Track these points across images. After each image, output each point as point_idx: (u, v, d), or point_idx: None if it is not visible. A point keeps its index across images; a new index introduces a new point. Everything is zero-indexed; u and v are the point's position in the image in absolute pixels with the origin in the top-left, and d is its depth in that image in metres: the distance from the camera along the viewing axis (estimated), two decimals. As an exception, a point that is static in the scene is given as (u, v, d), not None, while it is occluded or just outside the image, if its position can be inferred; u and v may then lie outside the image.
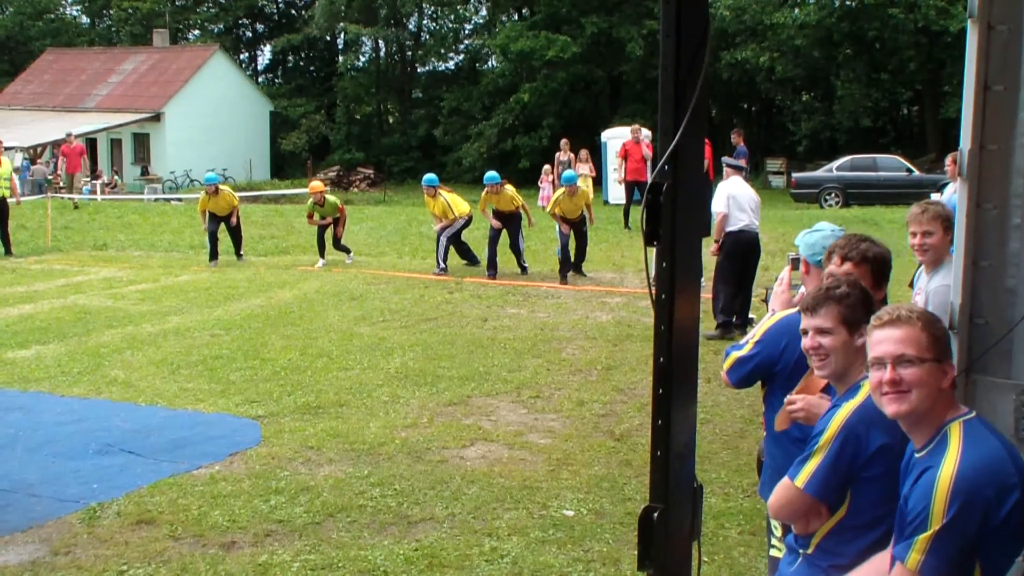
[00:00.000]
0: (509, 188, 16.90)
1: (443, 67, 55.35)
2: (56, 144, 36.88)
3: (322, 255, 18.03)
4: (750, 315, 11.99)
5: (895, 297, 4.05)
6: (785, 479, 3.60)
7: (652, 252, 2.82)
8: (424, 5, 54.04)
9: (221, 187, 18.86)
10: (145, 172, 44.96)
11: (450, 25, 54.47)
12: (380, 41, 54.32)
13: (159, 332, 12.32)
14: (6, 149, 22.58)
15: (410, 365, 10.53)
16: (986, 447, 3.02)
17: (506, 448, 7.90)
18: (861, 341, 3.57)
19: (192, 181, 42.98)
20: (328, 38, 56.94)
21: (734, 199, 11.90)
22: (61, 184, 30.37)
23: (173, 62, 48.91)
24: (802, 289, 4.45)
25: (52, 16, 62.00)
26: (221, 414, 8.90)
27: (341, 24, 52.59)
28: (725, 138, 26.94)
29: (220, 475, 7.31)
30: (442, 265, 16.83)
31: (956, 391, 3.83)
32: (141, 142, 47.15)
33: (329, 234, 18.17)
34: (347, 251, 18.38)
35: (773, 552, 4.41)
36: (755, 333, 4.47)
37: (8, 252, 19.59)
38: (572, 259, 16.19)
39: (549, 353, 11.12)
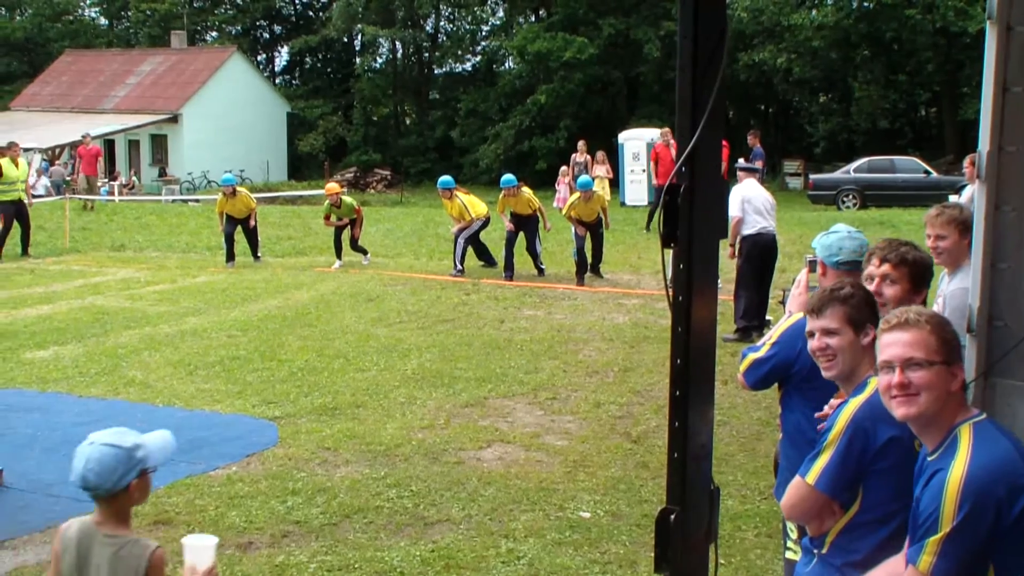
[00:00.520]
0: (526, 190, 16.89)
1: (460, 68, 55.48)
2: (74, 145, 36.98)
3: (339, 256, 18.05)
4: (767, 317, 11.96)
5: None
6: (796, 478, 3.61)
7: (669, 254, 2.82)
8: (441, 6, 54.13)
9: (238, 189, 18.90)
10: (163, 173, 45.14)
11: (467, 26, 54.55)
12: (397, 42, 54.40)
13: (176, 333, 12.37)
14: (24, 151, 22.68)
15: (427, 366, 10.54)
16: (996, 448, 3.02)
17: (523, 450, 7.90)
18: (867, 341, 3.60)
19: (209, 182, 43.12)
20: (345, 39, 57.05)
21: (749, 202, 11.88)
22: (77, 186, 30.21)
23: (191, 63, 49.09)
24: (819, 291, 4.46)
25: (71, 18, 62.28)
26: (238, 415, 8.93)
27: (358, 25, 52.74)
28: (742, 139, 26.87)
29: (237, 476, 7.33)
30: (459, 267, 16.83)
31: (975, 395, 3.81)
32: (159, 143, 47.34)
33: (346, 235, 18.18)
34: (364, 252, 18.40)
35: (789, 555, 4.41)
36: (772, 335, 4.47)
37: (25, 253, 19.68)
38: (589, 261, 16.18)
39: (566, 355, 11.11)
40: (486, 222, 17.28)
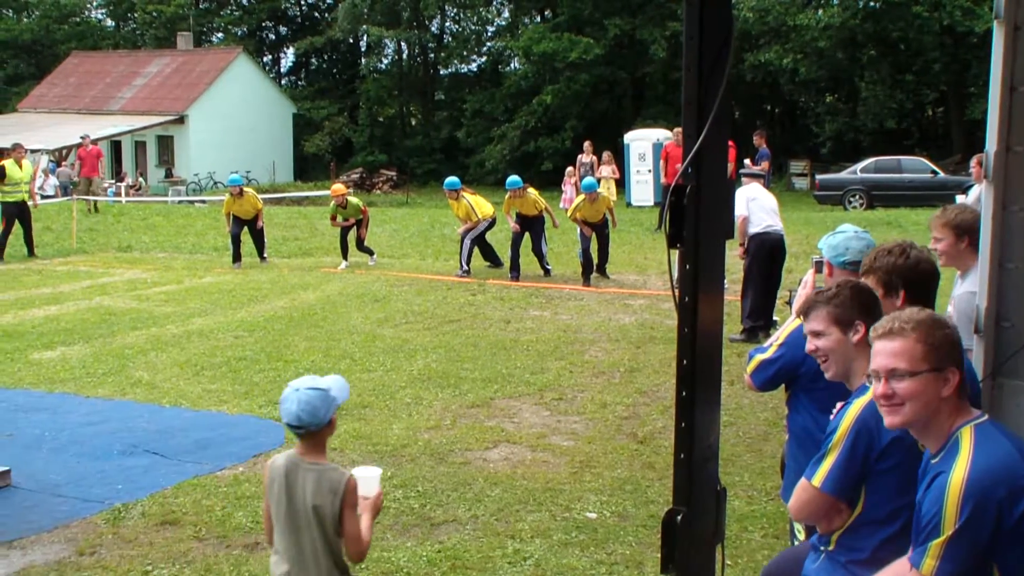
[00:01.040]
0: (532, 191, 16.87)
1: (466, 69, 55.46)
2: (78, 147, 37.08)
3: (345, 257, 18.06)
4: (774, 317, 11.95)
5: (938, 307, 4.03)
6: (802, 480, 3.64)
7: (675, 254, 2.81)
8: (447, 7, 54.20)
9: (245, 189, 18.90)
10: (169, 174, 45.25)
11: (472, 27, 54.56)
12: (403, 43, 54.50)
13: (183, 333, 12.38)
14: (31, 152, 22.71)
15: (433, 367, 10.53)
16: (998, 449, 3.02)
17: (529, 450, 7.90)
18: (857, 338, 3.64)
19: (216, 183, 43.21)
20: (351, 40, 57.14)
21: (754, 200, 11.88)
22: (78, 189, 30.18)
23: (197, 65, 49.20)
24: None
25: (77, 19, 62.47)
26: (244, 415, 8.93)
27: (364, 26, 52.76)
28: (748, 140, 26.84)
29: (244, 476, 7.34)
30: (465, 267, 16.83)
31: (982, 395, 3.81)
32: (165, 144, 47.44)
33: (352, 236, 18.20)
34: (370, 253, 18.41)
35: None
36: (779, 336, 4.47)
37: (31, 253, 19.73)
38: (594, 261, 16.17)
39: (572, 355, 11.11)
40: (492, 223, 17.27)
